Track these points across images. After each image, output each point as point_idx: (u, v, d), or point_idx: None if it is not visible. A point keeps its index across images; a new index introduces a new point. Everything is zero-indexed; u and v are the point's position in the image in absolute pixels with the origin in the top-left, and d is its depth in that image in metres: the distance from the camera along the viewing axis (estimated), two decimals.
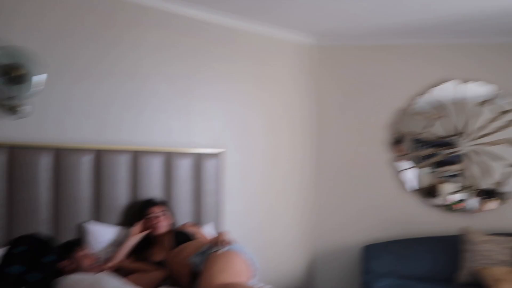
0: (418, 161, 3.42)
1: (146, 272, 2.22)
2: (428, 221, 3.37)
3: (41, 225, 2.21)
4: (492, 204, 3.28)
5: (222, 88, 3.12)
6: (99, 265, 2.12)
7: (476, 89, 3.33)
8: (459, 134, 3.34)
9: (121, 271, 2.21)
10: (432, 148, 3.40)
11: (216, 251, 2.11)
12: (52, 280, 1.81)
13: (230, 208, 3.12)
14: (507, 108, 3.28)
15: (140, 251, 2.40)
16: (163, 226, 2.45)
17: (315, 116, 3.64)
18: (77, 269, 2.00)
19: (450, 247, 3.13)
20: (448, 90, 3.36)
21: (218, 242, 2.20)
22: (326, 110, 3.62)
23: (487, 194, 3.30)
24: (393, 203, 3.45)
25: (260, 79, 3.34)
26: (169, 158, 2.74)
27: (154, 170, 2.67)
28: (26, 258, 1.71)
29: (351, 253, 3.52)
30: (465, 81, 3.34)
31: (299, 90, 3.58)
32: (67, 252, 2.05)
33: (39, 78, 2.21)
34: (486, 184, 3.31)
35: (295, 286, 3.51)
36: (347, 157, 3.57)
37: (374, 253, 3.21)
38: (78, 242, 2.18)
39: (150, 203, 2.52)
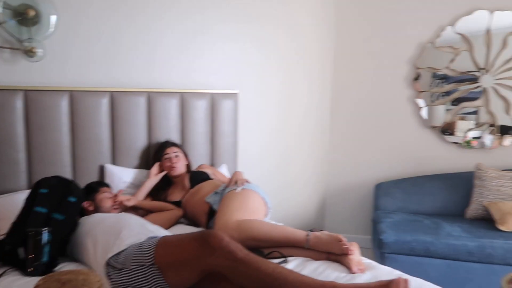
0: (440, 97, 3.34)
1: (164, 211, 2.31)
2: (444, 158, 3.38)
3: (61, 168, 2.29)
4: (508, 141, 3.24)
5: (238, 28, 3.02)
6: (120, 205, 2.21)
7: (504, 19, 3.13)
8: (482, 68, 3.22)
9: (141, 211, 2.31)
10: (453, 83, 3.30)
11: (232, 190, 2.17)
12: (76, 220, 1.89)
13: (246, 149, 3.16)
14: None
15: (158, 191, 2.49)
16: (179, 167, 2.51)
17: (333, 53, 3.55)
18: (98, 210, 2.09)
19: (463, 183, 3.16)
20: (477, 21, 3.17)
21: (234, 182, 2.26)
22: (344, 45, 3.52)
23: (505, 131, 3.25)
24: (411, 140, 3.45)
25: (278, 17, 3.22)
26: (185, 99, 2.74)
27: (170, 111, 2.68)
28: (49, 199, 1.78)
29: (365, 191, 3.59)
30: (493, 10, 3.14)
31: (318, 24, 3.45)
32: (89, 193, 2.13)
33: (53, 19, 2.17)
34: (504, 120, 3.25)
35: (308, 224, 3.64)
36: (364, 95, 3.53)
37: (385, 191, 3.28)
38: (99, 184, 2.25)
39: (166, 145, 2.57)
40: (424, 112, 3.37)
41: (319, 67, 3.52)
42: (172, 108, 2.69)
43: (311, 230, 1.88)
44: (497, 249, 2.55)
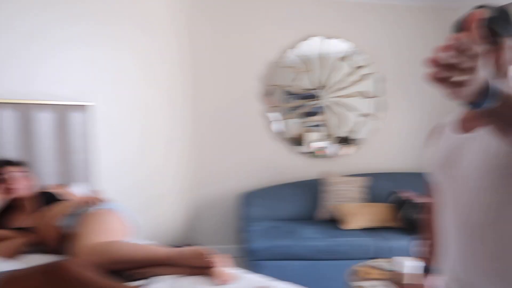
0: (288, 112, 3.66)
1: (6, 239, 1.98)
2: (297, 167, 3.70)
3: None
4: (348, 150, 3.73)
5: (87, 30, 2.80)
6: None
7: (336, 46, 3.63)
8: (321, 87, 3.65)
9: None
10: (299, 100, 3.66)
11: (88, 210, 1.99)
12: None
13: (105, 165, 2.94)
14: (360, 64, 3.67)
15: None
16: (22, 188, 2.20)
17: (191, 65, 3.57)
18: None
19: (313, 189, 3.51)
20: (313, 45, 3.60)
21: (89, 201, 2.07)
22: (201, 60, 3.57)
23: (344, 141, 3.74)
24: (267, 152, 3.68)
25: (133, 21, 3.08)
26: (24, 111, 2.42)
27: (1, 125, 2.33)
28: None
29: (231, 202, 3.69)
30: (328, 37, 3.61)
31: (176, 37, 3.43)
32: None
33: None
34: (343, 132, 3.73)
35: (180, 239, 3.56)
36: (222, 109, 3.63)
37: (249, 200, 3.43)
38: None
39: (2, 163, 2.22)
40: (275, 126, 3.65)
41: (180, 80, 3.51)
42: (5, 121, 2.34)
43: (183, 245, 1.85)
44: (342, 246, 2.89)
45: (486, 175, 1.10)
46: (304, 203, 3.47)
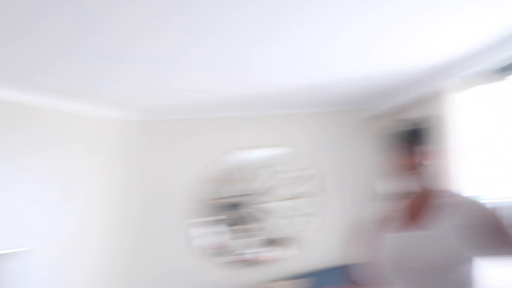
0: (214, 224, 3.70)
1: None
2: (223, 280, 3.61)
3: None
4: (279, 254, 3.74)
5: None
6: None
7: (263, 153, 3.87)
8: (249, 195, 3.78)
9: None
10: (227, 210, 3.74)
11: None
12: None
13: None
14: (289, 168, 3.87)
15: None
16: None
17: (121, 191, 3.61)
18: None
19: None
20: (238, 157, 3.82)
21: None
22: (131, 188, 3.65)
23: (275, 245, 3.76)
24: (191, 267, 3.63)
25: (62, 159, 3.13)
26: None
27: None
28: None
29: None
30: (250, 148, 3.84)
31: (108, 170, 3.48)
32: None
33: None
34: (273, 236, 3.78)
35: None
36: (147, 226, 3.65)
37: None
38: None
39: None
40: (201, 239, 3.65)
41: (108, 196, 3.50)
42: None
43: None
44: None
45: (444, 269, 1.26)
46: None
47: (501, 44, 2.84)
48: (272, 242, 3.76)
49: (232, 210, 3.75)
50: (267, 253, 3.72)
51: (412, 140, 1.38)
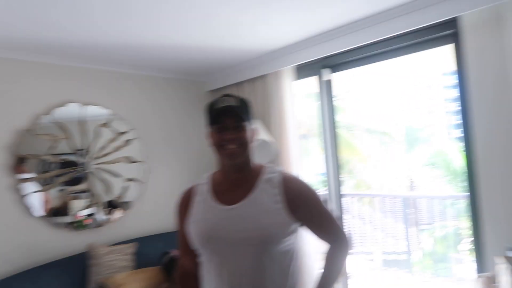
0: (46, 182, 3.31)
1: None
2: (59, 243, 3.32)
3: None
4: (117, 216, 3.62)
5: None
6: None
7: (96, 112, 3.58)
8: (83, 154, 3.49)
9: None
10: (59, 168, 3.37)
11: None
12: None
13: None
14: (122, 130, 3.71)
15: None
16: None
17: None
18: None
19: (79, 265, 3.21)
20: (71, 111, 3.44)
21: None
22: None
23: (112, 207, 3.62)
24: (19, 230, 3.17)
25: None
26: None
27: None
28: None
29: None
30: (86, 104, 3.52)
31: None
32: None
33: None
34: (109, 198, 3.62)
35: None
36: None
37: None
38: None
39: None
40: (30, 199, 3.22)
41: None
42: None
43: None
44: None
45: (254, 244, 1.30)
46: (69, 283, 3.11)
47: (327, 42, 3.08)
48: (106, 205, 3.60)
49: (67, 170, 3.38)
50: (102, 215, 3.54)
51: (239, 115, 1.38)
